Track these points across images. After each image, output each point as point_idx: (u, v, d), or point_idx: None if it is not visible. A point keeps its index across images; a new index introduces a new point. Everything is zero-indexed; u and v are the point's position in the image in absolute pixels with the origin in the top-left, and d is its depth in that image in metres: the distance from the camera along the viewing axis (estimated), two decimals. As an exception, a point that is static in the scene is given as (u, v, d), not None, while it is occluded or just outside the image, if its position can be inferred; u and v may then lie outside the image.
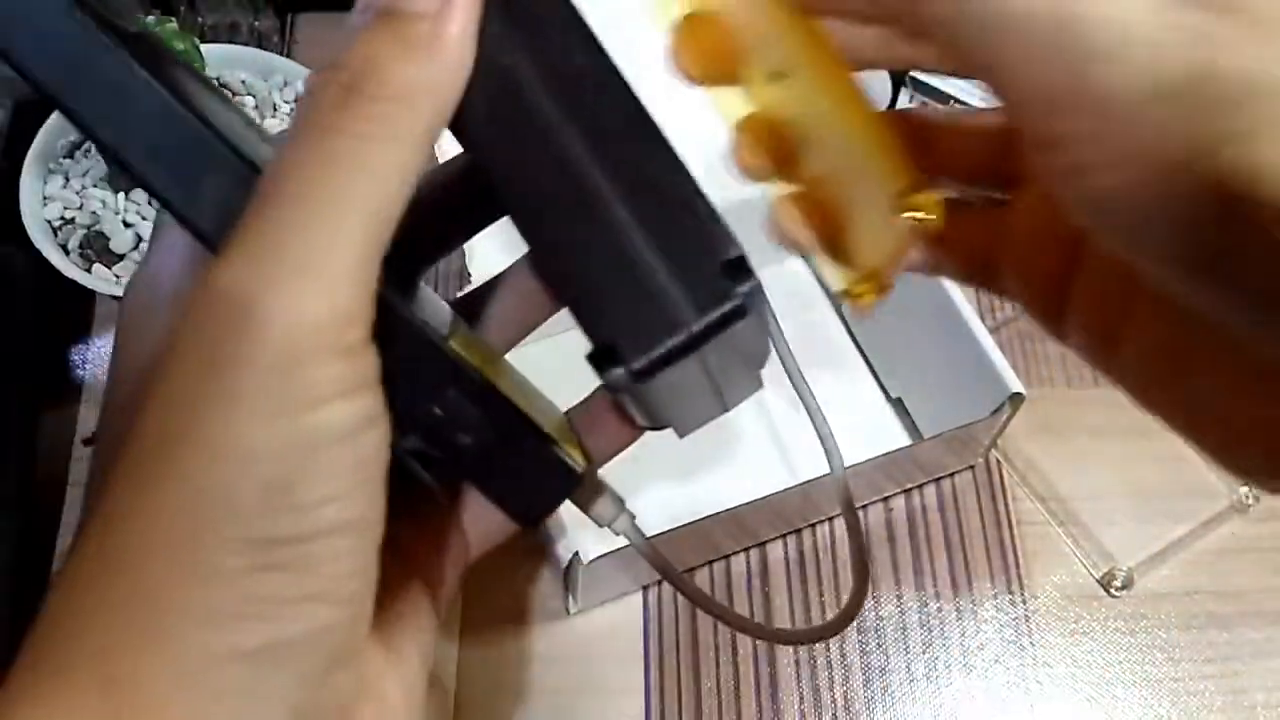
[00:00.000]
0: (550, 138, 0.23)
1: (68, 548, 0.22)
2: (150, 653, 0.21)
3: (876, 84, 0.52)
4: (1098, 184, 0.20)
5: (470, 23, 0.22)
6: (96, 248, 0.50)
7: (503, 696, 0.48)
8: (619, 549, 0.45)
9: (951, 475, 0.55)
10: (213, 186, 0.22)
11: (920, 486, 0.55)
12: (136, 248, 0.50)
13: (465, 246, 0.48)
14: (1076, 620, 0.51)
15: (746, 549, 0.52)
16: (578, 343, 0.24)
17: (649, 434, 0.27)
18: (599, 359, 0.23)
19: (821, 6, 0.24)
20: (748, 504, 0.46)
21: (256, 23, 0.67)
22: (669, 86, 0.26)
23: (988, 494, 0.55)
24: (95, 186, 0.51)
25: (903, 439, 0.55)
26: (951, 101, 0.58)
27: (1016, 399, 0.49)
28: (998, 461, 0.55)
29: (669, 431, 0.27)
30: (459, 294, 0.29)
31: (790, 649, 0.50)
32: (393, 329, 0.22)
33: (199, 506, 0.20)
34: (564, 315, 0.24)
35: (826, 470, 0.47)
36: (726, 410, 0.27)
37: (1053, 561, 0.53)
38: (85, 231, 0.50)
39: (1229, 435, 0.23)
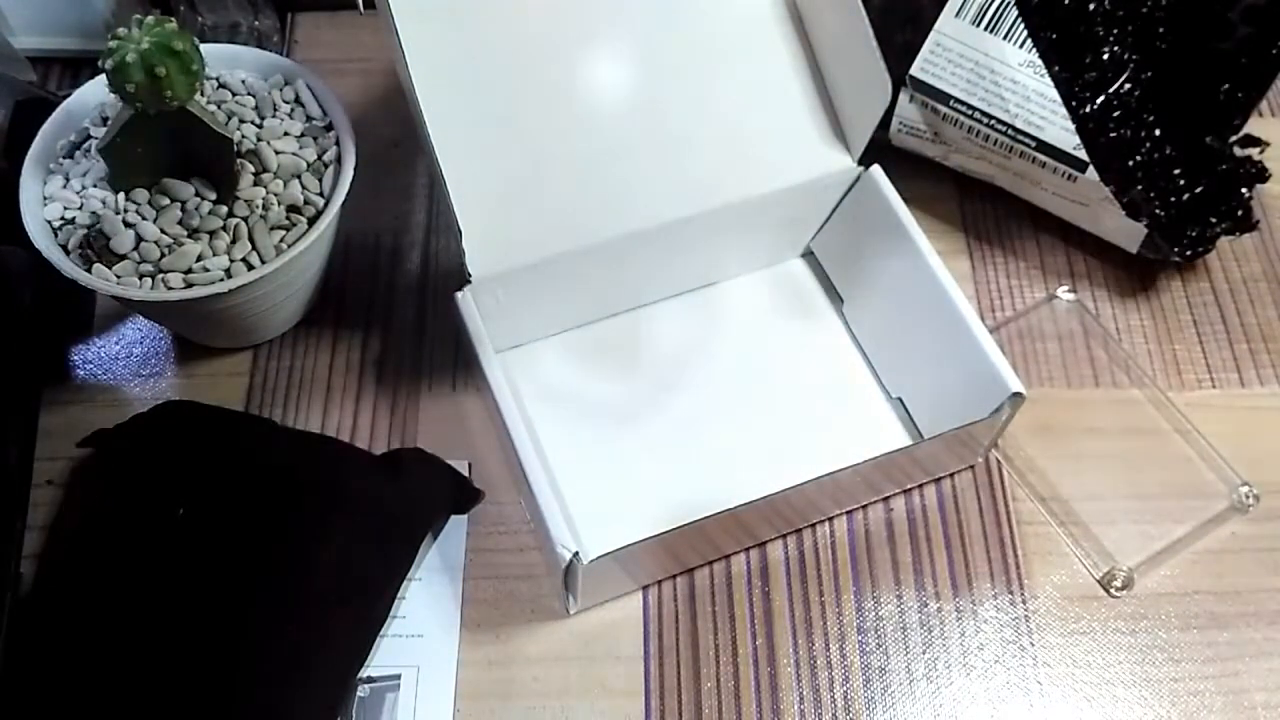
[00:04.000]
0: None
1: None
2: None
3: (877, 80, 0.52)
4: None
5: None
6: (96, 248, 0.50)
7: (503, 696, 0.48)
8: (619, 549, 0.45)
9: (951, 475, 0.55)
10: None
11: (920, 486, 0.55)
12: (136, 248, 0.50)
13: (464, 245, 0.48)
14: (1076, 620, 0.51)
15: (746, 549, 0.52)
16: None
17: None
18: None
19: None
20: (748, 504, 0.46)
21: (256, 23, 0.67)
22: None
23: (988, 494, 0.55)
24: (95, 186, 0.51)
25: (903, 439, 0.55)
26: (951, 102, 0.58)
27: (1016, 399, 0.49)
28: (998, 461, 0.55)
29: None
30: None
31: (790, 650, 0.50)
32: None
33: None
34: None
35: (826, 470, 0.47)
36: None
37: (1053, 561, 0.53)
38: (85, 231, 0.50)
39: None
